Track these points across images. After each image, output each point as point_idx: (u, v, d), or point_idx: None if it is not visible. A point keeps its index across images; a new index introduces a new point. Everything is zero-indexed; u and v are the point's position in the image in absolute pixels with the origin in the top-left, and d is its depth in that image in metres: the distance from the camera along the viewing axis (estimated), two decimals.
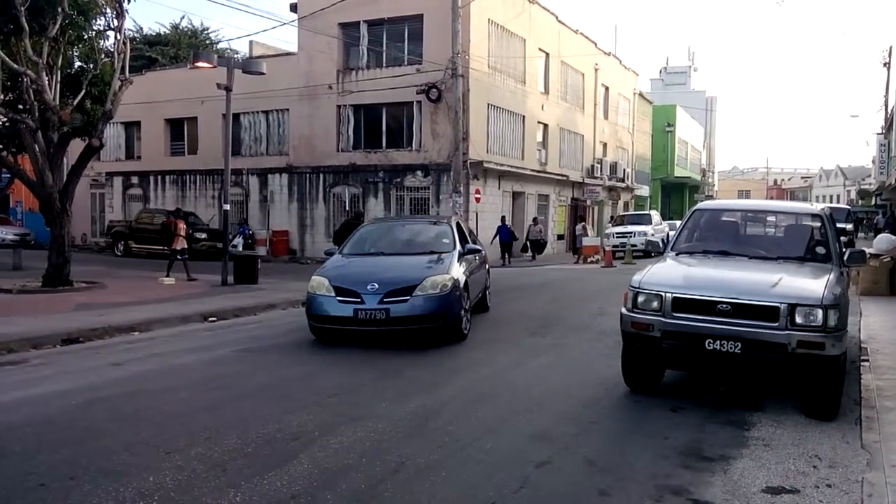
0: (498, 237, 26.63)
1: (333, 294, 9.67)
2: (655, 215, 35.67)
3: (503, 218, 26.98)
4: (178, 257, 18.54)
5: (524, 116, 30.18)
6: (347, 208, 27.79)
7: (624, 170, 41.94)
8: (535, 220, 29.50)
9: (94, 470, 5.09)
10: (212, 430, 6.03)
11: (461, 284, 10.12)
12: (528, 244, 29.32)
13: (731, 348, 6.36)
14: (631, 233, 29.92)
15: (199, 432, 5.95)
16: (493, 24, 27.37)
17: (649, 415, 6.69)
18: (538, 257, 29.00)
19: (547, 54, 32.18)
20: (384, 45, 27.39)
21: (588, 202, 37.77)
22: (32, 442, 5.72)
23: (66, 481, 4.89)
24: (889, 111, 41.40)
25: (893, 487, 4.76)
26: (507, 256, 26.41)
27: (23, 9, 14.64)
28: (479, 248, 12.24)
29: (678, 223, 14.09)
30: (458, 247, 11.02)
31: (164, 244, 19.11)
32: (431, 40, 25.76)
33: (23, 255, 21.91)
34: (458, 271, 10.25)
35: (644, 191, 50.23)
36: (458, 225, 12.12)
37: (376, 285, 9.51)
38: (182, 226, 18.95)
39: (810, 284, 6.63)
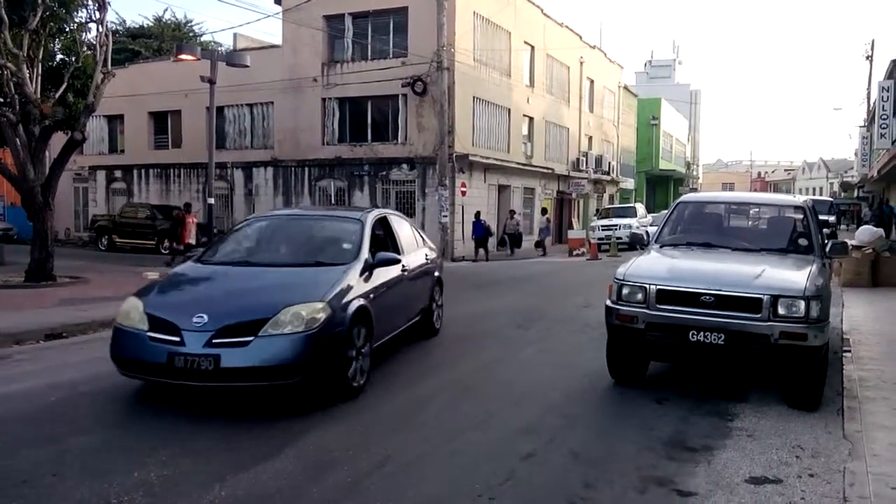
0: (473, 233, 26.05)
1: (146, 328, 6.43)
2: (640, 208, 35.82)
3: (477, 213, 26.39)
4: (184, 252, 18.51)
5: (510, 109, 30.16)
6: (333, 202, 27.70)
7: (609, 163, 42.03)
8: (511, 213, 28.77)
9: (77, 466, 5.06)
10: (197, 424, 6.01)
11: (349, 314, 6.71)
12: (506, 238, 28.61)
13: (714, 340, 6.41)
14: (616, 225, 30.01)
15: (184, 427, 5.93)
16: (479, 17, 27.32)
17: (634, 406, 6.73)
18: (517, 251, 28.57)
19: (532, 47, 32.16)
20: (369, 38, 27.28)
21: (573, 195, 37.83)
22: (15, 438, 5.67)
23: (50, 478, 4.86)
24: (871, 104, 41.74)
25: (875, 477, 4.82)
26: (482, 252, 25.79)
27: (1, 0, 14.45)
28: (399, 257, 8.43)
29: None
30: (365, 256, 7.65)
31: (172, 238, 18.89)
32: (417, 33, 25.67)
33: (5, 249, 21.69)
34: (350, 293, 6.92)
35: (629, 184, 50.39)
36: (381, 222, 8.87)
37: (205, 317, 6.26)
38: (191, 220, 18.85)
39: (793, 276, 6.68)
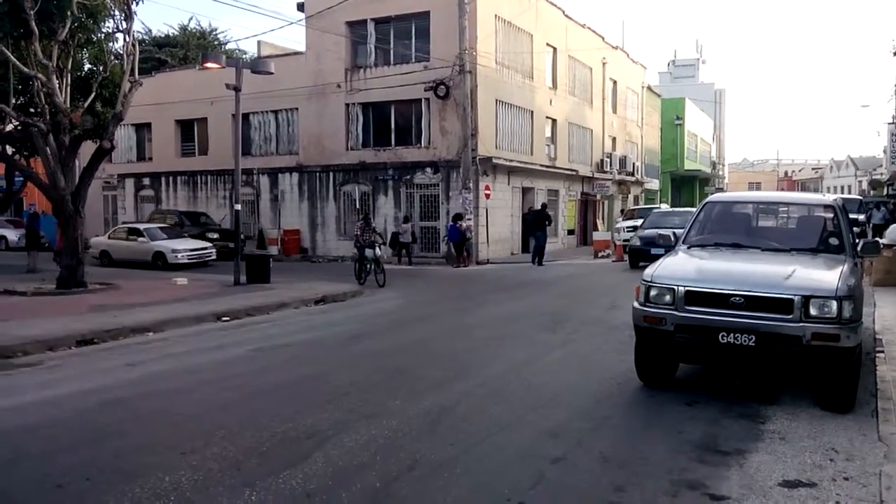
0: (449, 237, 24.55)
1: None
2: (665, 209, 35.50)
3: (455, 216, 24.44)
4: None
5: (532, 112, 30.08)
6: (358, 206, 27.80)
7: (633, 163, 41.73)
8: (405, 218, 25.90)
9: (109, 471, 5.12)
10: (226, 429, 6.05)
11: None
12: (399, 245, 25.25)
13: (745, 341, 6.33)
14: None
15: (214, 432, 5.98)
16: (500, 20, 27.29)
17: (663, 409, 6.67)
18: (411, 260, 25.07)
19: (554, 49, 32.05)
20: (392, 43, 27.36)
21: (598, 196, 37.64)
22: (48, 443, 5.76)
23: (83, 482, 4.92)
24: None
25: None
26: (460, 258, 23.97)
27: (32, 13, 14.70)
28: None
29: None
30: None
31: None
32: (439, 37, 25.70)
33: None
34: None
35: (654, 184, 49.99)
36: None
37: None
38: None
39: (824, 276, 6.58)
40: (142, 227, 25.20)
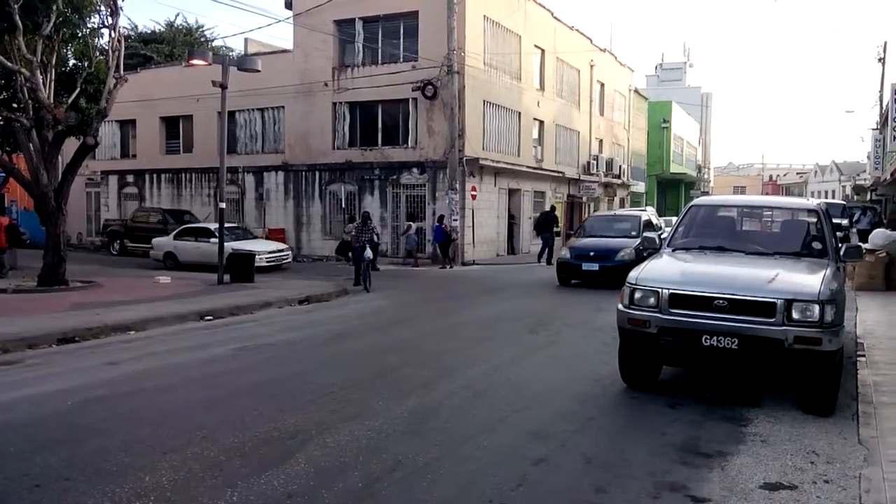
0: (434, 238, 24.52)
1: None
2: (651, 211, 35.61)
3: (440, 217, 24.56)
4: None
5: (520, 113, 30.12)
6: (343, 206, 27.75)
7: (620, 166, 41.88)
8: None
9: (89, 470, 5.08)
10: (208, 429, 6.02)
11: None
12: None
13: (728, 344, 6.36)
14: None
15: (196, 431, 5.94)
16: (489, 21, 27.30)
17: (646, 411, 6.69)
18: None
19: (542, 51, 32.11)
20: (380, 42, 27.30)
21: (584, 199, 37.76)
22: (28, 442, 5.70)
23: (62, 482, 4.87)
24: (884, 106, 41.46)
25: (891, 483, 4.77)
26: (445, 259, 24.08)
27: (16, 6, 14.56)
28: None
29: (673, 220, 14.09)
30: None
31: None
32: (427, 37, 25.68)
33: (18, 254, 21.81)
34: None
35: (640, 187, 50.19)
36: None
37: None
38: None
39: (807, 280, 6.62)
40: (212, 226, 22.28)
